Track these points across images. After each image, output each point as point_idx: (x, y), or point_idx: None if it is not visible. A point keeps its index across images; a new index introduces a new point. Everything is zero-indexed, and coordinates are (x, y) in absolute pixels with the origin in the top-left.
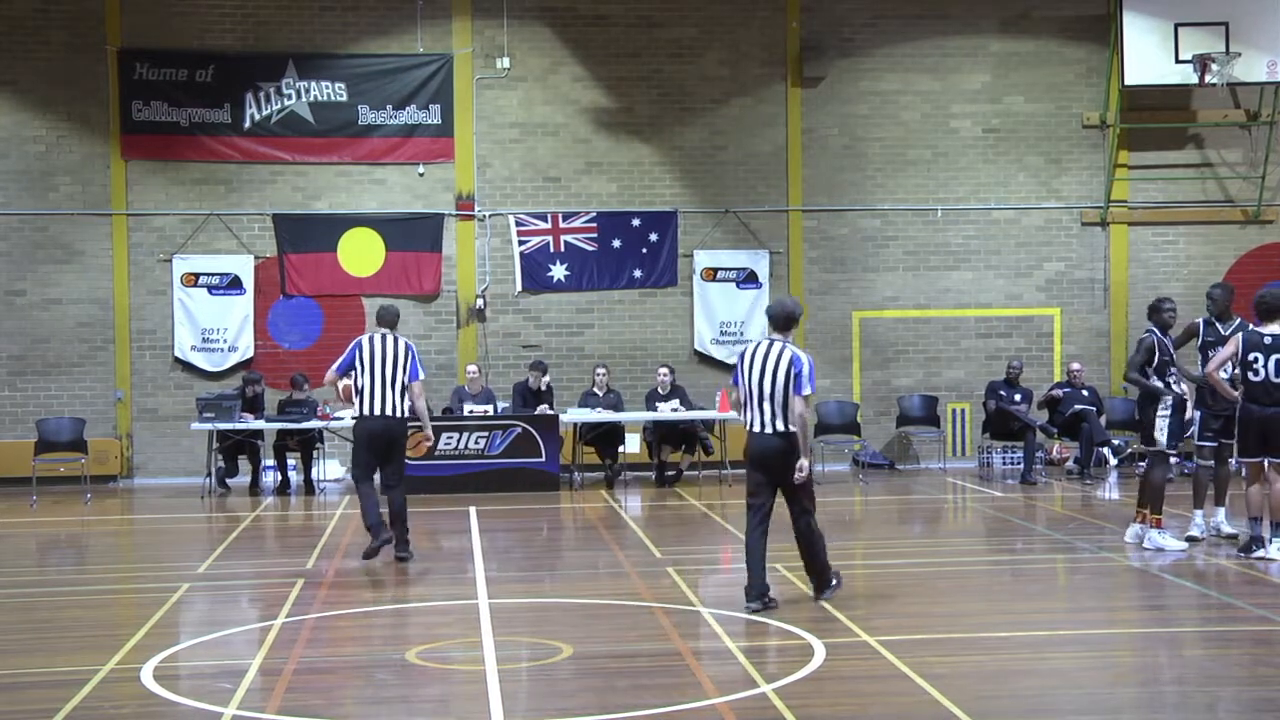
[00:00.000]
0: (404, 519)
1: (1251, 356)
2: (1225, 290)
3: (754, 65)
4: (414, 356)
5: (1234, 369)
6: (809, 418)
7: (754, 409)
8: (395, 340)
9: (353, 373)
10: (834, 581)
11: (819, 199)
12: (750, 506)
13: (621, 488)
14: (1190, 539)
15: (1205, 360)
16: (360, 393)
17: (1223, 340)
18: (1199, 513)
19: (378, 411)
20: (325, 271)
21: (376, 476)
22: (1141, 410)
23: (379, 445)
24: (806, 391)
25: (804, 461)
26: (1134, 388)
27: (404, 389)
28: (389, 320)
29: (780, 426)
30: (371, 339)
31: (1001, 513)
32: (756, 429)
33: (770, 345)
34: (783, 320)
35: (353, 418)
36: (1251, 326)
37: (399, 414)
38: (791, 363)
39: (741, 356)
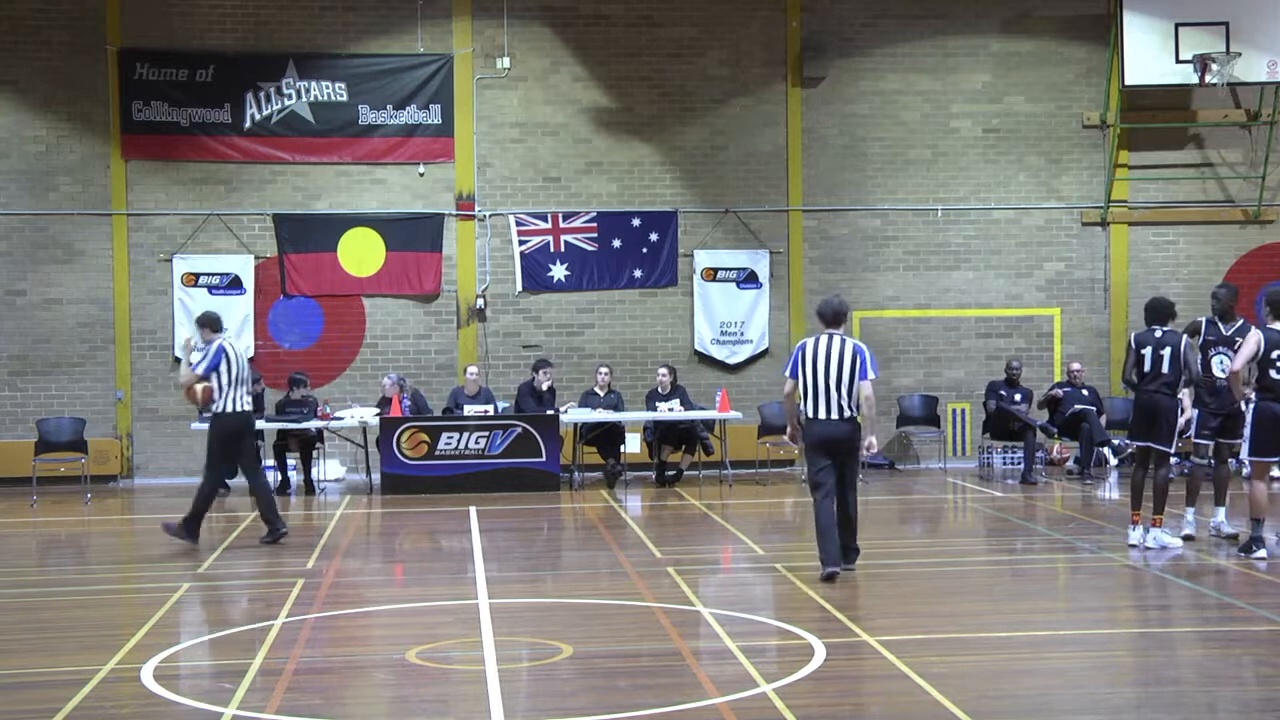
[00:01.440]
0: (271, 498)
1: (1275, 355)
2: (1229, 290)
3: (754, 65)
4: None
5: (1245, 368)
6: (874, 400)
7: (820, 397)
8: (235, 345)
9: (214, 375)
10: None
11: (819, 199)
12: (818, 485)
13: (621, 488)
14: (1186, 538)
15: (1205, 359)
16: (223, 392)
17: (1224, 340)
18: (1190, 510)
19: (240, 408)
20: (325, 271)
21: None
22: (1170, 416)
23: (244, 439)
24: (872, 376)
25: (873, 439)
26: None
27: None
28: (219, 325)
29: (847, 411)
30: (230, 344)
31: (1001, 513)
32: (823, 415)
33: (830, 339)
34: (833, 316)
35: (207, 416)
36: (1266, 324)
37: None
38: (855, 352)
39: (801, 350)
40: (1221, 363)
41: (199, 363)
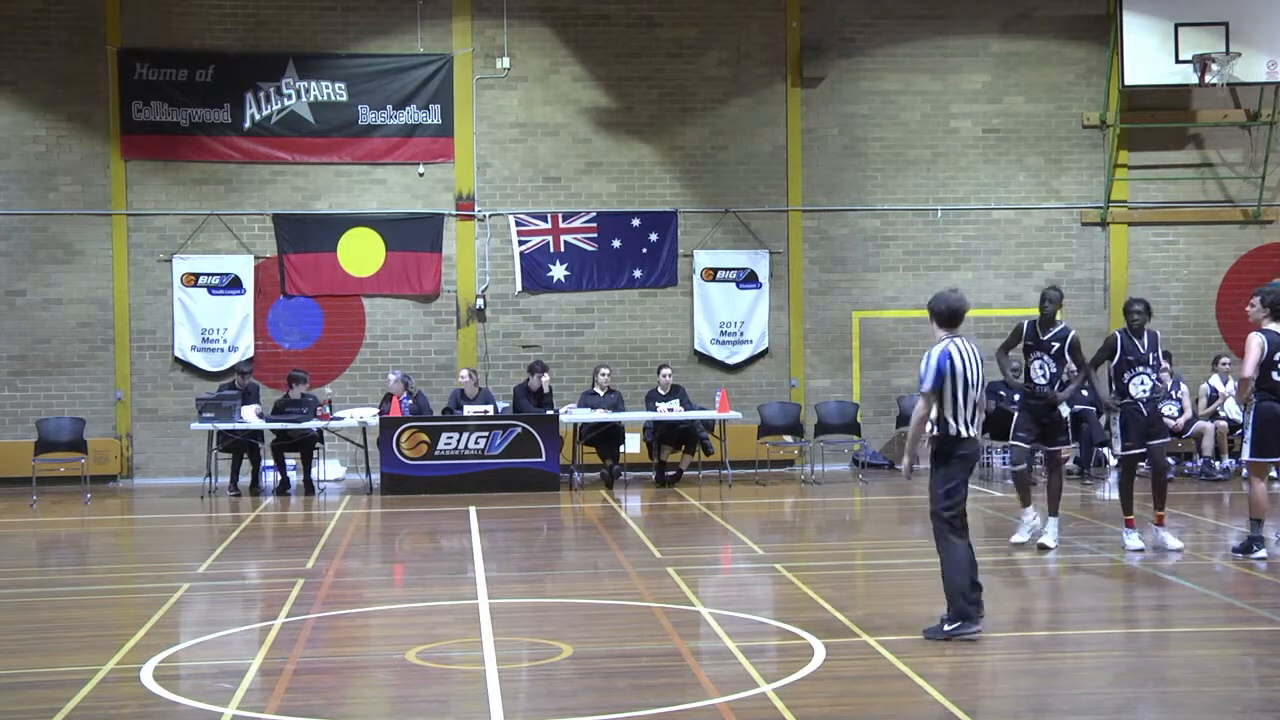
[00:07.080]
0: None
1: (1278, 357)
2: (1059, 292)
3: (754, 65)
4: None
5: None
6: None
7: (968, 412)
8: None
9: None
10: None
11: (819, 199)
12: (964, 514)
13: (621, 488)
14: (1041, 547)
15: (1027, 363)
16: None
17: (1041, 345)
18: (1028, 511)
19: None
20: (325, 271)
21: None
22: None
23: None
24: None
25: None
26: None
27: None
28: None
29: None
30: None
31: (1001, 513)
32: (972, 433)
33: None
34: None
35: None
36: (1265, 326)
37: None
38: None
39: (948, 358)
40: (1041, 368)
41: None
